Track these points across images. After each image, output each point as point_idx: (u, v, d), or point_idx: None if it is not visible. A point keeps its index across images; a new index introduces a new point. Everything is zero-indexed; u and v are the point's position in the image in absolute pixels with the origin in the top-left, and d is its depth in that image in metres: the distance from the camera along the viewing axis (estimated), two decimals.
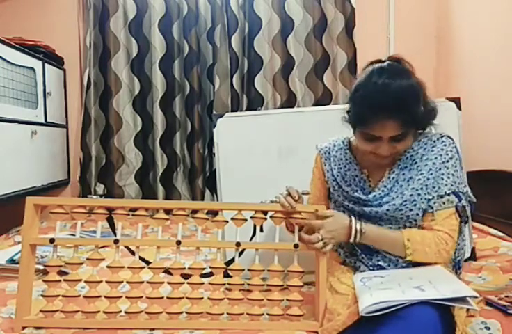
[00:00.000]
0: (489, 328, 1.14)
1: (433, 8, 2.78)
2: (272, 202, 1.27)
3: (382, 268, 1.20)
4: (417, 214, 1.17)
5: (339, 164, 1.30)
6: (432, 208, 1.16)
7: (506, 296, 1.25)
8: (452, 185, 1.16)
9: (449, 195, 1.16)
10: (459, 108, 1.62)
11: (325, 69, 2.71)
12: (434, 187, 1.16)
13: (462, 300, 0.96)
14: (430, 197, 1.16)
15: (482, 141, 2.17)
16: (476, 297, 0.98)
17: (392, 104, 1.09)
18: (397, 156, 1.21)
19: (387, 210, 1.18)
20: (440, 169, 1.17)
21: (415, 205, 1.17)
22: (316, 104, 2.67)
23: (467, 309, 1.10)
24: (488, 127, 2.19)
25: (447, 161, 1.18)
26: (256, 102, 2.69)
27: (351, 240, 1.17)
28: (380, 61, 1.19)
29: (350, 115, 1.20)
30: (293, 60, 2.69)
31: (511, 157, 1.98)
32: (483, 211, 1.93)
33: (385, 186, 1.22)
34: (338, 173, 1.30)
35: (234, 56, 2.66)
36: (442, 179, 1.16)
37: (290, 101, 2.70)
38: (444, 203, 1.16)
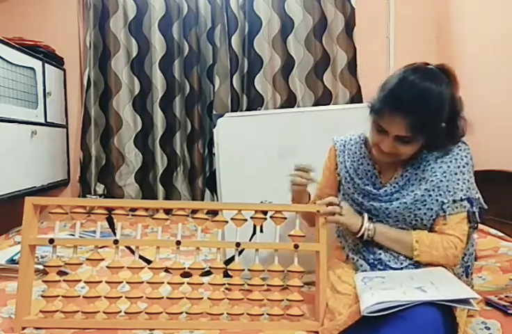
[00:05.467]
0: (489, 328, 1.14)
1: (433, 8, 2.78)
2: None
3: (383, 262, 1.19)
4: (425, 214, 1.18)
5: (353, 158, 1.31)
6: (445, 212, 1.17)
7: (506, 296, 1.25)
8: (467, 191, 1.17)
9: (462, 200, 1.17)
10: None
11: (325, 69, 2.72)
12: (449, 191, 1.17)
13: (463, 301, 0.96)
14: (445, 200, 1.16)
15: (482, 141, 2.16)
16: (476, 298, 0.98)
17: (409, 102, 1.09)
18: (398, 159, 1.20)
19: (397, 207, 1.20)
20: (455, 174, 1.18)
21: (425, 205, 1.18)
22: (316, 104, 2.67)
23: (468, 310, 1.10)
24: (488, 127, 2.18)
25: (463, 167, 1.19)
26: (256, 102, 2.69)
27: (362, 230, 1.20)
28: (426, 64, 1.19)
29: (373, 101, 1.19)
30: (293, 60, 2.69)
31: (511, 157, 1.98)
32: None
33: (396, 183, 1.23)
34: (351, 165, 1.31)
35: (234, 56, 2.65)
36: (458, 184, 1.17)
37: (290, 101, 2.70)
38: (457, 208, 1.17)
